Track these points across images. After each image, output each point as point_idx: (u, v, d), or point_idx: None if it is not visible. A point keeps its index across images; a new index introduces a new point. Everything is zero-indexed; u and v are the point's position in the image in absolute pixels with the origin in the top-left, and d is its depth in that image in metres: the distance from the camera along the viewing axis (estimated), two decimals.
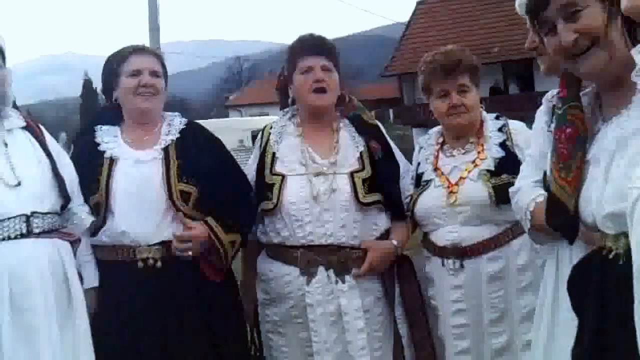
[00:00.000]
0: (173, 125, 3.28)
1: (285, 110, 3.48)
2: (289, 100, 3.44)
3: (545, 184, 2.32)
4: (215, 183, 3.14)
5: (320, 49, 3.28)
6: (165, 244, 3.04)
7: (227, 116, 51.44)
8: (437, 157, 3.34)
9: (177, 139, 3.21)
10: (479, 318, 3.14)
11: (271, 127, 3.40)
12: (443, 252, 3.18)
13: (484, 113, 3.38)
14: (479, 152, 3.25)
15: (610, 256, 1.99)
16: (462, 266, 3.13)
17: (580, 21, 1.98)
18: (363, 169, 3.23)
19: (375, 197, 3.20)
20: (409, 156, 3.56)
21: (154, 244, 3.04)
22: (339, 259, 3.15)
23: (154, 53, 3.38)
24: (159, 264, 3.03)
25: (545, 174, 2.32)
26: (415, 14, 34.48)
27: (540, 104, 2.60)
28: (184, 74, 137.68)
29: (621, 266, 1.93)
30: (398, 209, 3.31)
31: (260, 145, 3.37)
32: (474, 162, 3.23)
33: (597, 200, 2.03)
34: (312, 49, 3.28)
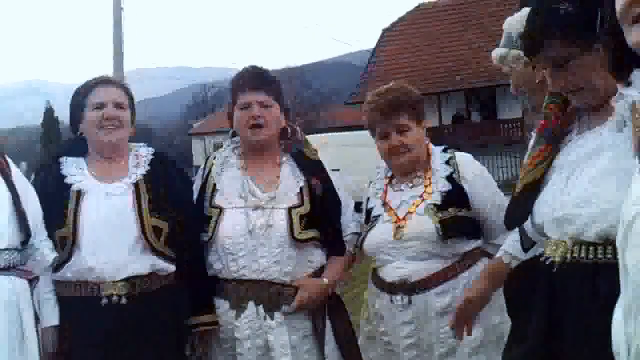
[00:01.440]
0: (140, 156, 3.23)
1: (229, 141, 3.46)
2: (230, 132, 3.44)
3: None
4: (186, 219, 3.13)
5: (260, 84, 3.26)
6: (130, 280, 2.98)
7: (190, 144, 51.20)
8: (385, 192, 3.32)
9: (146, 171, 3.17)
10: (429, 352, 3.11)
11: (214, 158, 3.38)
12: (392, 288, 3.13)
13: (432, 146, 3.36)
14: (426, 186, 3.23)
15: (547, 262, 2.08)
16: (410, 302, 3.09)
17: (572, 70, 2.08)
18: (302, 204, 3.21)
19: (312, 233, 3.18)
20: None
21: (119, 280, 2.97)
22: (270, 295, 3.14)
23: (119, 84, 3.34)
24: (123, 300, 2.97)
25: None
26: (380, 41, 34.80)
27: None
28: (148, 101, 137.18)
29: (554, 274, 2.05)
30: (335, 246, 3.30)
31: (203, 176, 3.34)
32: (421, 196, 3.21)
33: (550, 204, 2.12)
34: (250, 84, 3.27)
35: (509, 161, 23.25)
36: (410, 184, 3.26)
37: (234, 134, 3.41)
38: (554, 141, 2.21)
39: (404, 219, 3.17)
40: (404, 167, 3.27)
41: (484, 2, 32.80)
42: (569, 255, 2.06)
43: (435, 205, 3.15)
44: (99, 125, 3.12)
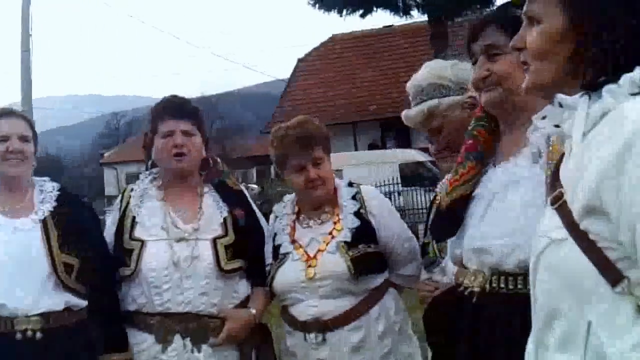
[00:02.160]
0: (45, 191, 3.18)
1: (147, 172, 3.40)
2: (150, 163, 3.38)
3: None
4: (96, 255, 3.10)
5: (182, 113, 3.23)
6: (45, 315, 2.92)
7: (102, 174, 50.13)
8: (294, 228, 3.29)
9: (53, 207, 3.12)
10: None
11: (132, 190, 3.31)
12: (305, 327, 3.12)
13: (337, 180, 3.37)
14: (335, 223, 3.22)
15: (466, 293, 2.13)
16: (324, 340, 3.08)
17: (496, 64, 2.21)
18: (226, 235, 3.19)
19: (238, 263, 3.17)
20: None
21: (33, 315, 2.90)
22: (197, 327, 3.10)
23: (23, 117, 3.28)
24: (38, 334, 2.90)
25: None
26: (295, 71, 34.97)
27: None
28: (58, 130, 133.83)
29: (475, 305, 2.10)
30: (260, 276, 3.27)
31: (120, 209, 3.28)
32: (330, 233, 3.21)
33: (469, 235, 2.17)
34: (173, 113, 3.23)
35: (423, 189, 23.60)
36: (319, 221, 3.26)
37: (154, 165, 3.35)
38: (482, 161, 2.27)
39: (314, 257, 3.16)
40: (320, 201, 3.26)
41: (394, 34, 33.46)
42: (487, 285, 2.11)
43: (345, 242, 3.14)
44: (3, 158, 3.07)
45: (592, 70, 1.52)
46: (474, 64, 2.28)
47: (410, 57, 31.66)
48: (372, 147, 31.93)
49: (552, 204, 1.55)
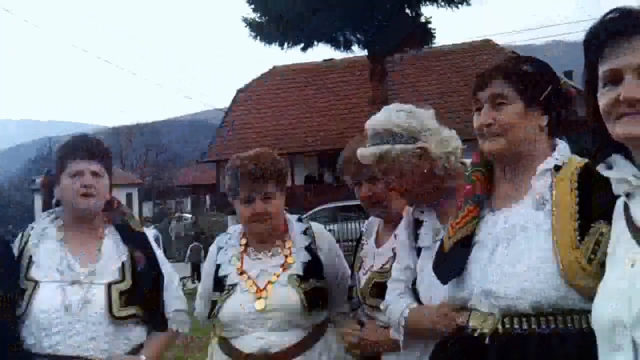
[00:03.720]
0: None
1: (47, 212, 3.31)
2: (54, 202, 3.29)
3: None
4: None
5: (92, 154, 3.17)
6: None
7: (33, 200, 49.11)
8: (242, 260, 3.28)
9: None
10: None
11: (32, 229, 3.21)
12: (249, 359, 3.11)
13: (288, 215, 3.41)
14: (286, 256, 3.24)
15: (475, 334, 2.19)
16: None
17: (501, 113, 2.29)
18: (123, 280, 3.11)
19: (132, 310, 3.08)
20: None
21: None
22: None
23: None
24: None
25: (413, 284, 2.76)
26: (235, 102, 34.92)
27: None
28: None
29: (486, 346, 2.16)
30: (157, 323, 3.20)
31: (19, 247, 3.16)
32: (282, 266, 3.22)
33: (478, 278, 2.23)
34: (83, 153, 3.15)
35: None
36: (269, 253, 3.26)
37: (58, 204, 3.26)
38: (480, 205, 2.37)
39: (264, 289, 3.16)
40: (264, 235, 3.27)
41: (334, 68, 33.75)
42: (500, 327, 2.16)
43: (298, 276, 3.18)
44: None
45: None
46: (476, 110, 2.36)
47: (349, 90, 31.99)
48: (308, 179, 31.99)
49: None
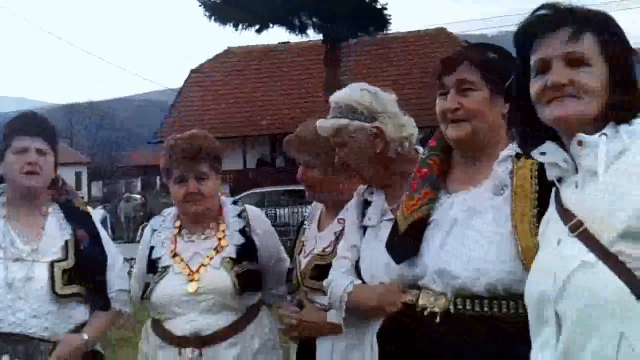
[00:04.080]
0: None
1: None
2: None
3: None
4: None
5: (38, 131, 3.16)
6: None
7: None
8: (175, 242, 3.30)
9: None
10: None
11: None
12: (181, 342, 3.13)
13: (223, 198, 3.44)
14: (220, 239, 3.26)
15: (425, 313, 2.23)
16: (200, 355, 3.11)
17: (468, 99, 2.31)
18: (66, 258, 3.12)
19: (75, 289, 3.10)
20: None
21: None
22: (27, 349, 3.00)
23: None
24: None
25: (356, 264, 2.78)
26: (187, 82, 34.57)
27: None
28: None
29: (437, 324, 2.20)
30: (99, 302, 3.22)
31: None
32: (215, 248, 3.24)
33: (432, 257, 2.27)
34: (29, 130, 3.14)
35: (290, 209, 23.78)
36: (203, 236, 3.28)
37: (1, 180, 3.24)
38: (436, 188, 2.39)
39: (197, 271, 3.18)
40: (197, 216, 3.28)
41: (289, 51, 33.66)
42: (452, 307, 2.21)
43: (231, 258, 3.20)
44: None
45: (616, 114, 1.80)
46: (441, 95, 2.37)
47: (303, 74, 31.94)
48: (260, 162, 31.93)
49: (573, 231, 1.76)
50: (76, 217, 3.25)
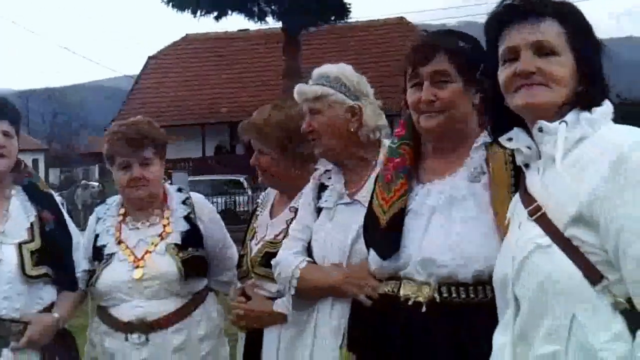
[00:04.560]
0: None
1: None
2: None
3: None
4: None
5: (2, 114, 3.15)
6: None
7: None
8: (120, 230, 3.30)
9: None
10: None
11: None
12: (127, 328, 3.14)
13: (167, 185, 3.45)
14: (165, 225, 3.28)
15: (410, 303, 2.23)
16: (147, 340, 3.12)
17: (444, 91, 2.29)
18: (32, 240, 3.13)
19: (43, 270, 3.11)
20: None
21: None
22: None
23: None
24: None
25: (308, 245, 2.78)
26: (145, 68, 34.25)
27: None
28: None
29: (422, 313, 2.20)
30: (66, 282, 3.23)
31: None
32: (160, 235, 3.25)
33: (415, 247, 2.26)
34: None
35: (222, 198, 23.80)
36: (147, 223, 3.30)
37: None
38: (410, 177, 2.39)
39: (142, 258, 3.19)
40: (141, 202, 3.30)
41: (248, 39, 33.52)
42: (437, 295, 2.20)
43: (175, 245, 3.22)
44: None
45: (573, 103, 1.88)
46: (414, 85, 2.35)
47: (263, 62, 31.84)
48: (219, 149, 31.78)
49: (531, 215, 1.85)
50: (40, 198, 3.25)
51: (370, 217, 2.45)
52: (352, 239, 2.64)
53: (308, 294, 2.71)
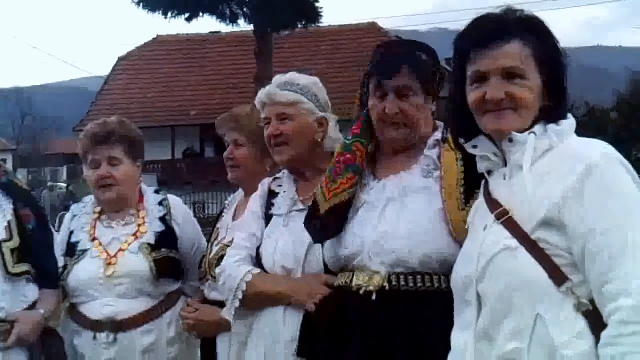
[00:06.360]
0: None
1: None
2: None
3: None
4: None
5: None
6: None
7: None
8: (94, 227, 3.31)
9: None
10: None
11: None
12: (96, 326, 3.13)
13: (144, 186, 3.44)
14: (139, 225, 3.28)
15: (361, 292, 2.29)
16: (115, 339, 3.11)
17: (407, 104, 2.40)
18: (10, 238, 3.08)
19: (25, 267, 3.08)
20: None
21: None
22: None
23: None
24: None
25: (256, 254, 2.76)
26: (115, 69, 33.98)
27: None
28: None
29: (372, 301, 2.26)
30: (48, 279, 3.18)
31: None
32: (134, 234, 3.26)
33: (367, 235, 2.35)
34: None
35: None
36: (122, 222, 3.30)
37: None
38: (359, 174, 2.48)
39: (114, 256, 3.19)
40: (111, 202, 3.30)
41: (219, 41, 33.42)
42: (386, 284, 2.28)
43: (149, 244, 3.22)
44: None
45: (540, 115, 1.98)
46: (380, 96, 2.43)
47: (234, 65, 31.75)
48: (186, 152, 31.58)
49: (498, 218, 1.93)
50: (19, 196, 3.21)
51: (313, 205, 2.54)
52: (307, 247, 2.64)
53: (255, 303, 2.69)
